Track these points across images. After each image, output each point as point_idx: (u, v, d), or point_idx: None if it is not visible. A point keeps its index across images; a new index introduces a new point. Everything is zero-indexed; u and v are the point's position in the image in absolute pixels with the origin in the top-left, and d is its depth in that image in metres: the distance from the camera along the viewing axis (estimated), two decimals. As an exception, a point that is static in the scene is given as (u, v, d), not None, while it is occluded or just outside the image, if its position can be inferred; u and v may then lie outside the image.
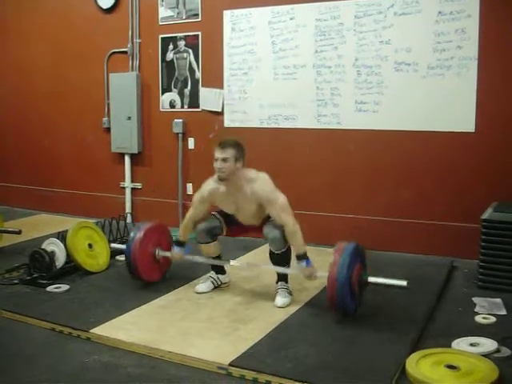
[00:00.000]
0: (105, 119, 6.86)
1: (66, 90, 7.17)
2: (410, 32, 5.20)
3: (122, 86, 6.64)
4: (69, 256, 4.70)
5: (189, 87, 6.36)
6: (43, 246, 4.65)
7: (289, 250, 4.03)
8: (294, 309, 3.95)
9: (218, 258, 4.40)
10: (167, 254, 4.43)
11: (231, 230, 4.32)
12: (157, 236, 4.48)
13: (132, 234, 4.39)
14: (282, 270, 4.10)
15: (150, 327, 3.64)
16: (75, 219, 6.28)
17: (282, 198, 3.94)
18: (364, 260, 3.81)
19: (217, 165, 3.91)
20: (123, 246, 4.54)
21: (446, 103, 5.13)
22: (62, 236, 4.76)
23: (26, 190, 7.59)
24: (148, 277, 4.39)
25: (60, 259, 4.66)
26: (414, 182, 5.37)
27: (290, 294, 4.13)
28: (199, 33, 6.23)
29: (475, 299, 4.08)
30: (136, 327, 3.62)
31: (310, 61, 5.61)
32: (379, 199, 5.54)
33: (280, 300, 4.03)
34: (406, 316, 3.76)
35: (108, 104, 6.83)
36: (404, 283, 3.65)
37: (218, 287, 4.39)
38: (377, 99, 5.39)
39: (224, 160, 3.88)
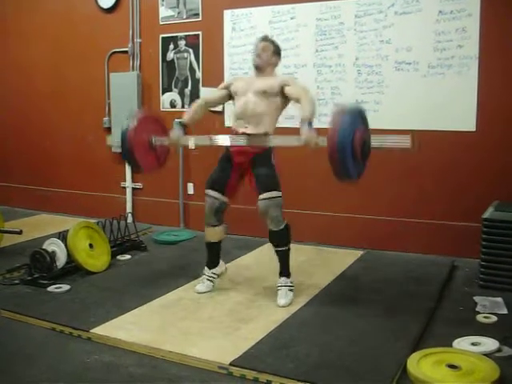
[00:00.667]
0: (105, 119, 6.86)
1: (67, 90, 7.17)
2: (411, 31, 5.20)
3: (123, 86, 6.64)
4: (69, 256, 4.70)
5: (189, 87, 6.36)
6: (44, 246, 4.65)
7: (288, 227, 4.09)
8: (295, 308, 3.94)
9: (219, 244, 4.37)
10: (164, 139, 4.32)
11: (230, 189, 4.23)
12: (151, 125, 4.36)
13: (126, 123, 4.22)
14: (285, 141, 4.16)
15: (151, 327, 3.63)
16: (76, 219, 6.28)
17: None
18: (367, 124, 3.67)
19: (255, 52, 4.16)
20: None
21: (447, 102, 5.12)
22: (62, 236, 4.76)
23: (26, 190, 7.60)
24: (146, 164, 4.28)
25: (61, 259, 4.66)
26: (415, 180, 5.36)
27: (292, 290, 4.14)
28: (200, 32, 6.23)
29: (476, 298, 4.08)
30: (137, 327, 3.62)
31: (310, 60, 5.61)
32: (379, 198, 5.53)
33: (282, 300, 4.04)
34: (407, 315, 3.75)
35: (109, 104, 6.83)
36: (407, 143, 3.47)
37: (217, 279, 4.39)
38: (377, 98, 5.39)
39: (263, 49, 4.15)
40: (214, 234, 4.29)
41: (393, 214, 5.44)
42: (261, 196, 4.02)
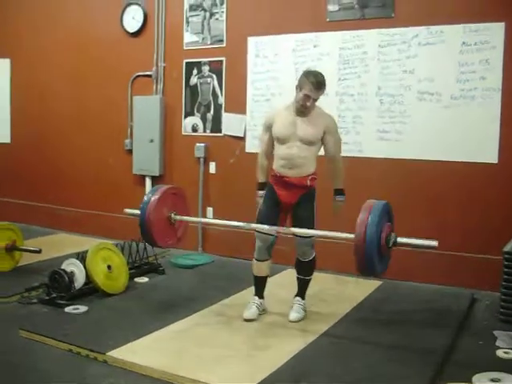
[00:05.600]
0: (127, 141, 6.94)
1: (90, 112, 7.27)
2: (434, 62, 5.22)
3: (146, 109, 6.72)
4: (88, 277, 4.72)
5: (212, 112, 6.41)
6: (63, 267, 4.68)
7: (315, 259, 4.29)
8: (311, 338, 3.90)
9: (265, 279, 4.38)
10: (184, 217, 4.34)
11: (280, 224, 4.24)
12: (172, 199, 4.37)
13: (146, 197, 4.28)
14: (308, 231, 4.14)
15: (167, 352, 3.61)
16: (95, 240, 6.37)
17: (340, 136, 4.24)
18: (392, 219, 3.74)
19: (306, 103, 4.01)
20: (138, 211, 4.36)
21: (469, 133, 5.11)
22: (81, 257, 4.78)
23: (47, 209, 7.66)
24: (162, 241, 4.29)
25: (79, 280, 4.69)
26: (435, 211, 5.33)
27: (305, 310, 4.31)
28: (223, 58, 6.30)
29: (496, 333, 4.02)
30: (153, 351, 3.61)
31: (332, 89, 5.60)
32: (399, 228, 5.46)
33: (293, 314, 4.22)
34: (425, 349, 3.69)
35: (131, 126, 6.90)
36: (434, 243, 3.48)
37: (261, 314, 4.34)
38: (399, 128, 5.39)
39: (314, 100, 4.04)
40: (264, 268, 4.31)
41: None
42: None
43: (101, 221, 7.18)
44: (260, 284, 4.37)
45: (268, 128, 4.23)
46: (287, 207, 4.19)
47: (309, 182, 4.13)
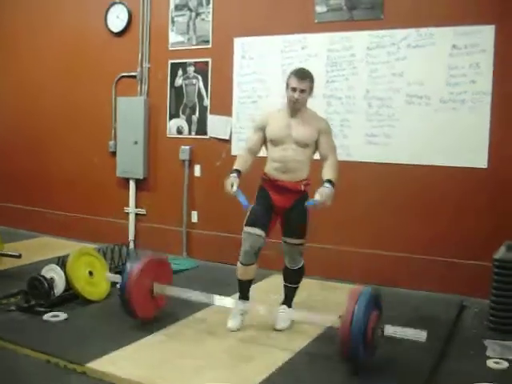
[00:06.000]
0: (111, 143, 6.80)
1: (76, 111, 7.12)
2: (423, 65, 5.13)
3: (130, 110, 6.59)
4: (68, 283, 4.58)
5: (197, 114, 6.29)
6: (42, 273, 4.54)
7: (304, 267, 4.18)
8: (296, 348, 3.79)
9: (251, 282, 4.19)
10: (165, 288, 4.14)
11: (270, 228, 4.09)
12: (155, 269, 4.18)
13: (128, 266, 4.09)
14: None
15: (148, 363, 3.49)
16: (77, 243, 6.29)
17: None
18: (380, 307, 3.55)
19: (294, 95, 3.90)
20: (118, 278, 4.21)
21: (458, 138, 5.04)
22: (61, 262, 4.65)
23: (28, 212, 7.50)
24: (142, 314, 4.06)
25: (59, 286, 4.55)
26: (424, 217, 5.25)
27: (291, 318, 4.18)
28: (209, 59, 6.18)
29: (486, 342, 3.94)
30: (133, 362, 3.48)
31: (320, 91, 5.48)
32: (389, 234, 5.41)
33: (279, 324, 4.11)
34: (415, 358, 3.60)
35: (115, 128, 6.77)
36: (423, 336, 3.29)
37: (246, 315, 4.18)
38: (388, 132, 5.30)
39: (302, 91, 3.91)
40: (250, 272, 4.10)
41: (402, 250, 5.32)
42: (288, 240, 4.08)
43: (85, 224, 7.04)
44: (245, 287, 4.19)
45: (260, 129, 4.12)
46: (280, 211, 4.07)
47: (303, 187, 4.02)
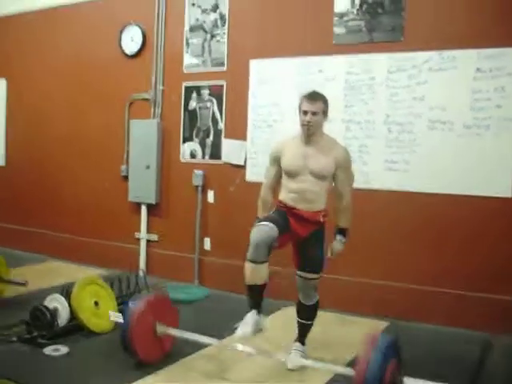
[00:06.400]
0: (123, 167, 6.65)
1: (87, 135, 7.02)
2: (446, 89, 4.92)
3: (143, 134, 6.44)
4: (72, 313, 4.39)
5: (211, 137, 6.12)
6: (45, 303, 4.36)
7: (318, 303, 3.94)
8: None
9: (264, 288, 3.62)
10: (169, 329, 3.89)
11: (282, 242, 3.66)
12: (159, 309, 3.95)
13: (131, 305, 3.86)
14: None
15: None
16: (87, 268, 6.25)
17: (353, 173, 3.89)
18: (400, 356, 3.24)
19: (306, 118, 3.68)
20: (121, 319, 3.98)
21: (482, 165, 4.80)
22: (66, 292, 4.47)
23: (40, 235, 7.36)
24: (145, 355, 3.79)
25: (62, 317, 4.37)
26: (444, 247, 5.00)
27: (304, 357, 3.93)
28: (224, 82, 6.02)
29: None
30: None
31: (338, 115, 5.31)
32: (407, 264, 5.16)
33: (292, 362, 3.84)
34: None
35: (127, 151, 6.62)
36: None
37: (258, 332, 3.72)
38: (408, 158, 5.08)
39: (314, 114, 3.67)
40: (262, 273, 3.52)
41: (420, 282, 5.06)
42: (302, 274, 3.81)
43: (95, 248, 6.87)
44: (257, 293, 3.61)
45: (275, 161, 3.88)
46: (295, 239, 3.77)
47: (321, 219, 3.77)
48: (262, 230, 3.51)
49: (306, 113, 3.69)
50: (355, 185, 4.74)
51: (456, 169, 4.90)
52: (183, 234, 6.30)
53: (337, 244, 3.80)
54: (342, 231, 3.82)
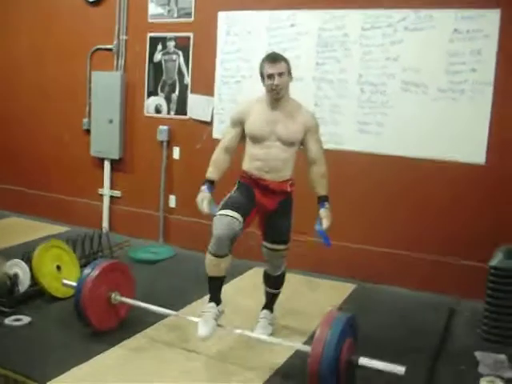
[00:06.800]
0: (85, 120, 6.39)
1: (50, 86, 6.68)
2: (421, 49, 4.77)
3: (105, 86, 6.16)
4: (33, 279, 4.27)
5: (177, 92, 5.89)
6: (5, 269, 4.19)
7: (285, 273, 3.90)
8: (280, 360, 3.52)
9: (223, 280, 3.57)
10: (125, 299, 3.81)
11: (247, 223, 3.55)
12: (115, 276, 3.85)
13: (85, 272, 3.77)
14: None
15: (115, 380, 3.18)
16: (48, 225, 6.17)
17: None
18: (356, 335, 3.17)
19: (273, 81, 3.45)
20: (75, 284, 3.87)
21: (456, 130, 4.72)
22: (27, 257, 4.33)
23: (2, 190, 7.11)
24: (98, 324, 3.72)
25: (24, 283, 4.24)
26: (417, 213, 4.97)
27: (272, 324, 3.96)
28: (191, 34, 5.75)
29: (478, 355, 3.68)
30: (98, 381, 3.17)
31: (309, 73, 5.14)
32: (378, 229, 5.13)
33: (260, 330, 3.84)
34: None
35: (89, 104, 6.35)
36: (402, 370, 2.91)
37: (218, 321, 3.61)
38: (380, 120, 4.96)
39: (280, 75, 3.46)
40: (223, 266, 3.46)
41: (391, 246, 5.05)
42: (270, 245, 3.70)
43: (56, 204, 6.69)
44: (217, 287, 3.57)
45: (238, 123, 3.65)
46: (262, 211, 3.65)
47: (289, 188, 3.64)
48: (225, 224, 3.37)
49: (271, 76, 3.46)
50: (328, 146, 4.62)
51: (430, 133, 4.81)
52: (148, 190, 6.14)
53: (325, 213, 3.58)
54: (324, 198, 3.63)
